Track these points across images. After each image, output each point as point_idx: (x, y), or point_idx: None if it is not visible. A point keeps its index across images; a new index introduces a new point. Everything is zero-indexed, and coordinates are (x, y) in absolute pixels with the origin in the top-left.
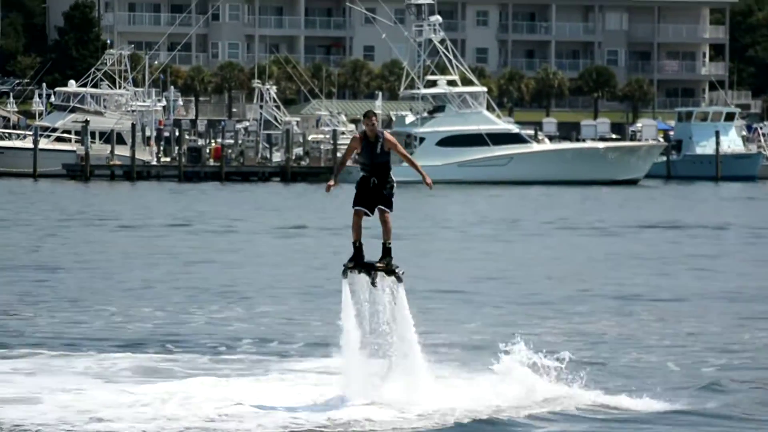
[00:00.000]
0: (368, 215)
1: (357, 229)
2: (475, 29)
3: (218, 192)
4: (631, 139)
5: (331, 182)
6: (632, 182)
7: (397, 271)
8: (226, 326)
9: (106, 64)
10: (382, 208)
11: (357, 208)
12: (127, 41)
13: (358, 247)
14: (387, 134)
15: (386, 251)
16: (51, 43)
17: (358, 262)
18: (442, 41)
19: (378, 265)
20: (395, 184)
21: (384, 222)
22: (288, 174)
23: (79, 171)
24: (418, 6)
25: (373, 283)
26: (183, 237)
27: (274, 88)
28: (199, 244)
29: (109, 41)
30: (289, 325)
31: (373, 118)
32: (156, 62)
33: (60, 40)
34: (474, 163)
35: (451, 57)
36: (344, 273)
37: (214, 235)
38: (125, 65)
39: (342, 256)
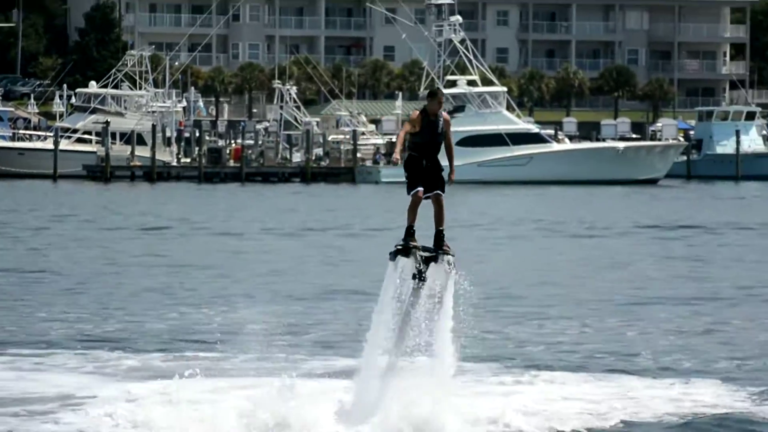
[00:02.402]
0: (426, 198)
1: (414, 212)
2: (495, 29)
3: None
4: (652, 139)
5: (397, 155)
6: (652, 182)
7: (451, 258)
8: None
9: (126, 65)
10: (438, 192)
11: (417, 189)
12: (148, 42)
13: (412, 232)
14: (445, 114)
15: (440, 237)
16: (72, 45)
17: (410, 247)
18: (462, 41)
19: (435, 249)
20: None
21: (439, 206)
22: (308, 174)
23: (100, 172)
24: (438, 6)
25: (422, 276)
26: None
27: (294, 88)
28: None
29: (129, 42)
30: None
31: (441, 96)
32: (176, 63)
33: (81, 41)
34: (494, 162)
35: (471, 57)
36: (393, 256)
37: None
38: (146, 66)
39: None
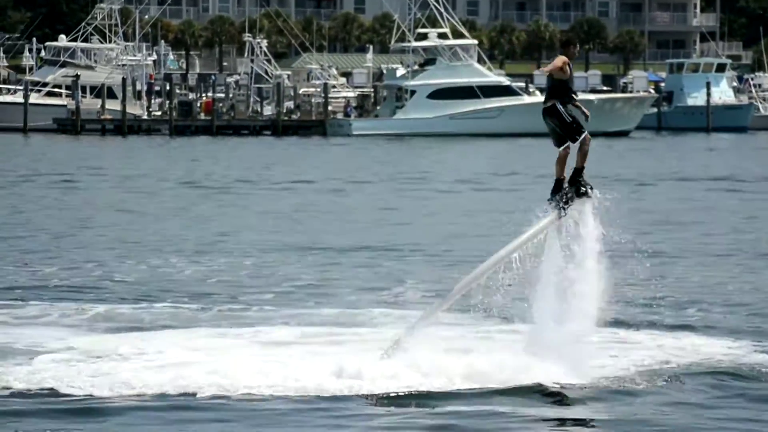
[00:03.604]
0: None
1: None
2: None
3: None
4: (622, 91)
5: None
6: (623, 134)
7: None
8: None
9: (96, 18)
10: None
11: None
12: None
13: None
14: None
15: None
16: None
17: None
18: None
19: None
20: None
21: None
22: (279, 127)
23: (70, 125)
24: None
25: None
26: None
27: (265, 41)
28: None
29: None
30: None
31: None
32: (146, 16)
33: None
34: (465, 115)
35: (442, 10)
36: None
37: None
38: (116, 19)
39: None
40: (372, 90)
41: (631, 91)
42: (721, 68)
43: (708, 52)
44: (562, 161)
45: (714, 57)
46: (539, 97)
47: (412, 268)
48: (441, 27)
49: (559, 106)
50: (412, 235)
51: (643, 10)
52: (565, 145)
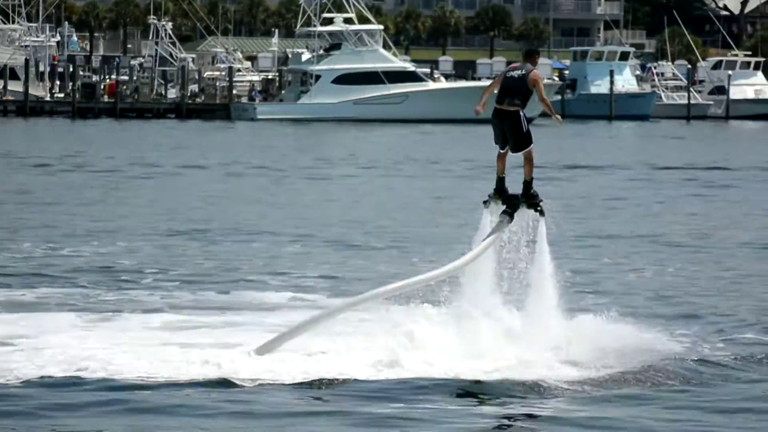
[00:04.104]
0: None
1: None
2: None
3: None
4: None
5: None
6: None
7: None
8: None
9: None
10: None
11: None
12: None
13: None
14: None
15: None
16: None
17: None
18: None
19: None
20: None
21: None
22: (183, 111)
23: None
24: None
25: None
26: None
27: (170, 24)
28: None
29: None
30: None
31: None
32: None
33: None
34: (370, 101)
35: None
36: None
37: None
38: (19, 0)
39: None
40: (277, 74)
41: None
42: (624, 56)
43: (612, 41)
44: (502, 159)
45: (618, 45)
46: (444, 84)
47: (309, 251)
48: (347, 12)
49: (522, 114)
50: (302, 220)
51: None
52: (529, 148)
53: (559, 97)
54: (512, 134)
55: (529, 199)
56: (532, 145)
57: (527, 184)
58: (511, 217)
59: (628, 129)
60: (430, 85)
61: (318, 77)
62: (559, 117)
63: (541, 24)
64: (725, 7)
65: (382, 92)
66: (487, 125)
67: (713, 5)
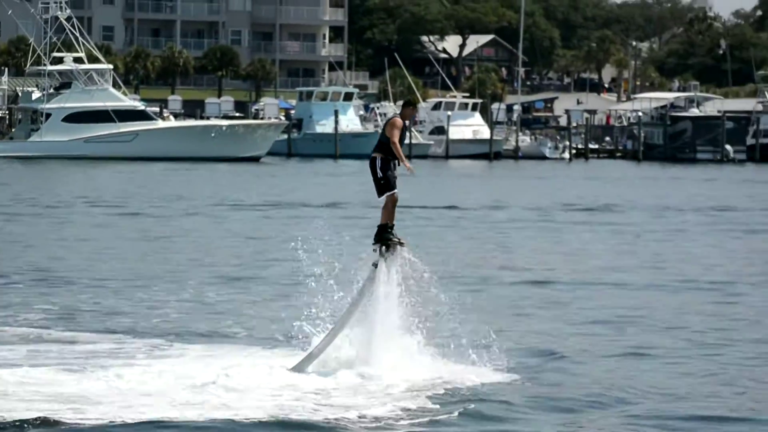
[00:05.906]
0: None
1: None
2: (101, 7)
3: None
4: (254, 118)
5: (408, 164)
6: (254, 159)
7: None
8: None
9: None
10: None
11: (396, 191)
12: None
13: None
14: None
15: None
16: None
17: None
18: (68, 18)
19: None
20: None
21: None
22: None
23: None
24: None
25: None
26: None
27: None
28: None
29: None
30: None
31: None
32: None
33: None
34: (100, 139)
35: (78, 34)
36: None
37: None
38: None
39: None
40: (7, 112)
41: (262, 118)
42: (348, 97)
43: (336, 81)
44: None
45: (342, 86)
46: (173, 122)
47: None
48: (77, 51)
49: (378, 161)
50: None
51: (274, 39)
52: (389, 193)
53: (285, 136)
54: (373, 179)
55: (384, 241)
56: (395, 192)
57: (382, 227)
58: (375, 265)
59: (351, 167)
60: (160, 123)
61: (48, 116)
62: (408, 164)
63: (267, 65)
64: (444, 50)
65: (112, 130)
66: (217, 163)
67: (433, 48)
